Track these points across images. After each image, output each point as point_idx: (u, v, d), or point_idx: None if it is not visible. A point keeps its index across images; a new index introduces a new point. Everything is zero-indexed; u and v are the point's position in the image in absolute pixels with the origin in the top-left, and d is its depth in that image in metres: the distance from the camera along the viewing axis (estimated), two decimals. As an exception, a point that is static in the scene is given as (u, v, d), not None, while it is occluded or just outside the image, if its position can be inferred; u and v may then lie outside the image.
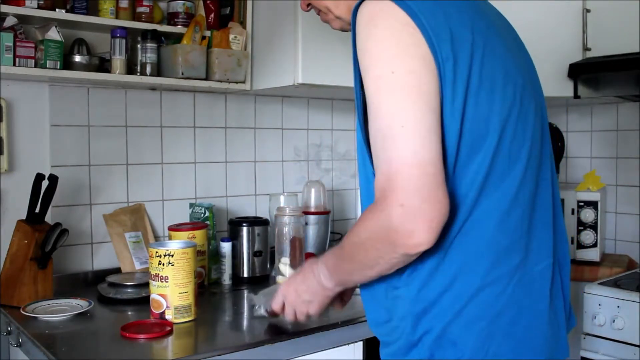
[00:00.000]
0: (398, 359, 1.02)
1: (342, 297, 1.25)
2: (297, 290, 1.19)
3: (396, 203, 0.88)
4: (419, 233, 0.88)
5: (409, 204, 0.87)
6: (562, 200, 2.40)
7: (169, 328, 1.45)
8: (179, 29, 1.94)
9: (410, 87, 0.90)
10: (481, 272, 0.96)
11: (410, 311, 0.98)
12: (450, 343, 0.97)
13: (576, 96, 2.27)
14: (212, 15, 2.05)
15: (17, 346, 1.50)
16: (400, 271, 0.99)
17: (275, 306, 1.27)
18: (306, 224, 2.13)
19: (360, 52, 0.95)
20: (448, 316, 0.96)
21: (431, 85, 0.90)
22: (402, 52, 0.90)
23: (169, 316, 1.50)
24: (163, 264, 1.49)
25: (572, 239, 2.37)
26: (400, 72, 0.90)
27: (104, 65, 1.86)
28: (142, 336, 1.40)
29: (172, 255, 1.49)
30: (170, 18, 1.98)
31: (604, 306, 2.03)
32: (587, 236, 2.34)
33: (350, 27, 1.00)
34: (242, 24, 2.08)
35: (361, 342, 1.56)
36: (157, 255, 1.50)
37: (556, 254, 1.09)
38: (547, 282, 1.04)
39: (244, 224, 2.04)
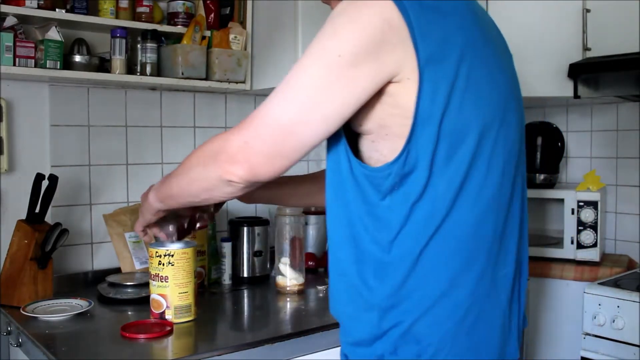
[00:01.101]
0: (360, 350, 1.03)
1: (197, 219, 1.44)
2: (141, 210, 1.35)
3: (244, 138, 0.95)
4: (240, 167, 0.96)
5: (251, 146, 0.94)
6: (562, 200, 2.41)
7: (169, 328, 1.45)
8: (179, 29, 1.94)
9: (343, 77, 0.91)
10: (451, 274, 0.98)
11: (379, 305, 1.00)
12: (414, 340, 0.98)
13: (576, 96, 2.27)
14: (212, 15, 2.05)
15: (17, 346, 1.51)
16: (372, 263, 1.00)
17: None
18: (306, 224, 2.13)
19: (330, 19, 0.95)
20: (416, 313, 0.98)
21: (368, 84, 0.91)
22: (362, 44, 0.90)
23: (169, 316, 1.50)
24: (163, 264, 1.49)
25: (572, 239, 2.37)
26: (345, 60, 0.90)
27: (104, 65, 1.86)
28: (142, 336, 1.40)
29: (172, 255, 1.49)
30: (170, 18, 1.98)
31: (604, 306, 2.03)
32: (587, 236, 2.34)
33: None
34: (242, 24, 2.08)
35: (361, 342, 1.56)
36: (157, 255, 1.50)
37: (518, 261, 1.11)
38: (507, 287, 1.06)
39: (244, 224, 2.04)
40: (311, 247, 2.17)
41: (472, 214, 0.98)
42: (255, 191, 1.55)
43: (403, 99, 0.93)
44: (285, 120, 0.93)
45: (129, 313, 1.64)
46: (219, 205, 1.54)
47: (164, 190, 1.24)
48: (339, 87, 0.91)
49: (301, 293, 1.86)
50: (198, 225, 1.52)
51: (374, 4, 0.91)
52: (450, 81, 0.93)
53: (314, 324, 1.48)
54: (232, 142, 0.96)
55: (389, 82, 0.93)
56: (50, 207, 1.73)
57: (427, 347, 0.98)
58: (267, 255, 2.06)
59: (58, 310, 1.60)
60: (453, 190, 0.96)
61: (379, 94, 0.94)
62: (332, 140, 1.03)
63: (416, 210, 0.96)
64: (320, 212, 2.19)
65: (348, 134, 1.02)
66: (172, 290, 1.50)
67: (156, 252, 1.50)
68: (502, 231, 1.04)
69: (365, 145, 1.01)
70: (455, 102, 0.94)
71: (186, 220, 1.49)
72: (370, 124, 0.98)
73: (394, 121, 0.95)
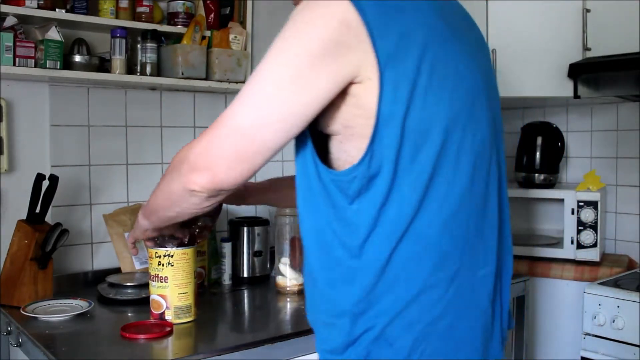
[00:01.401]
0: (334, 358, 1.02)
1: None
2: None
3: (203, 143, 0.94)
4: (200, 175, 0.95)
5: (210, 151, 0.94)
6: (562, 200, 2.41)
7: (168, 329, 1.45)
8: (179, 29, 1.94)
9: (301, 77, 0.90)
10: (423, 276, 0.97)
11: (351, 310, 0.98)
12: (387, 343, 0.97)
13: (576, 96, 2.27)
14: (212, 15, 2.05)
15: (17, 346, 1.51)
16: (341, 269, 0.99)
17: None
18: (306, 224, 2.12)
19: (289, 21, 0.94)
20: (388, 317, 0.97)
21: (327, 84, 0.91)
22: (319, 45, 0.90)
23: (168, 317, 1.50)
24: (163, 265, 1.49)
25: (572, 239, 2.37)
26: (302, 60, 0.90)
27: (104, 65, 1.86)
28: (142, 336, 1.40)
29: (172, 256, 1.49)
30: (170, 18, 1.98)
31: (604, 306, 2.03)
32: (587, 236, 2.34)
33: None
34: (242, 24, 2.08)
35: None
36: (157, 255, 1.50)
37: (499, 260, 1.09)
38: (488, 287, 1.05)
39: (244, 224, 2.04)
40: (311, 247, 2.16)
41: (442, 214, 0.97)
42: (252, 194, 1.57)
43: (365, 100, 0.92)
44: (246, 124, 0.92)
45: (129, 314, 1.64)
46: (215, 215, 1.55)
47: (147, 206, 1.24)
48: (297, 88, 0.91)
49: (301, 293, 1.85)
50: (198, 241, 1.57)
51: (330, 4, 0.91)
52: (412, 79, 0.92)
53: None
54: (193, 150, 0.95)
55: (351, 83, 0.92)
56: (50, 207, 1.73)
57: (400, 349, 0.97)
58: (267, 256, 2.06)
59: (58, 311, 1.60)
60: (419, 191, 0.94)
61: (343, 94, 0.93)
62: (300, 145, 1.02)
63: (384, 213, 0.94)
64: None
65: (318, 135, 1.01)
66: (172, 290, 1.50)
67: (156, 252, 1.50)
68: (479, 230, 1.02)
69: (334, 146, 0.99)
70: (417, 100, 0.92)
71: (186, 237, 1.51)
72: (336, 125, 0.96)
73: (358, 122, 0.94)
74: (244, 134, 0.92)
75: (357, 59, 0.91)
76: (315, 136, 1.00)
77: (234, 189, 0.98)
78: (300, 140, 1.01)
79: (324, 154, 1.00)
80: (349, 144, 0.96)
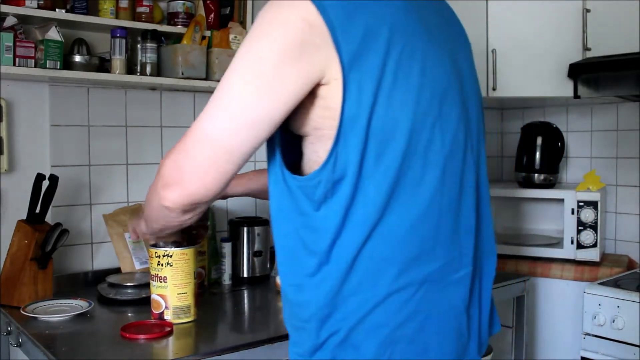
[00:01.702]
0: (305, 359, 1.02)
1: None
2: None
3: (173, 157, 0.94)
4: (171, 190, 0.94)
5: (180, 165, 0.93)
6: (562, 200, 2.41)
7: (168, 329, 1.45)
8: (179, 29, 1.94)
9: (266, 80, 0.89)
10: (389, 279, 0.95)
11: (316, 314, 0.98)
12: (352, 347, 0.96)
13: (576, 96, 2.27)
14: (212, 15, 2.05)
15: (17, 346, 1.51)
16: (307, 274, 0.98)
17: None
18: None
19: (254, 23, 0.94)
20: (352, 321, 0.96)
21: (293, 86, 0.90)
22: (283, 46, 0.89)
23: (167, 316, 1.50)
24: (162, 265, 1.49)
25: (572, 239, 2.37)
26: (267, 62, 0.89)
27: (104, 65, 1.86)
28: (141, 336, 1.40)
29: (171, 256, 1.49)
30: (170, 18, 1.98)
31: (604, 306, 2.03)
32: (587, 236, 2.34)
33: None
34: (242, 24, 2.08)
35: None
36: (157, 255, 1.50)
37: (479, 261, 1.07)
38: (462, 291, 1.03)
39: (244, 224, 2.04)
40: (311, 247, 2.16)
41: (409, 216, 0.95)
42: (231, 186, 1.50)
43: (332, 101, 0.91)
44: (213, 132, 0.91)
45: (129, 314, 1.64)
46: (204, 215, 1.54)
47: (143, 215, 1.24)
48: (263, 92, 0.90)
49: (301, 293, 1.85)
50: (198, 241, 1.58)
51: (293, 5, 0.90)
52: (377, 79, 0.91)
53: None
54: (165, 166, 0.95)
55: (318, 84, 0.91)
56: (50, 207, 1.73)
57: (365, 353, 0.96)
58: (267, 255, 2.06)
59: (58, 311, 1.59)
60: (384, 192, 0.93)
61: (311, 96, 0.92)
62: (270, 150, 1.01)
63: (350, 216, 0.93)
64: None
65: (295, 137, 1.00)
66: (171, 290, 1.50)
67: (155, 252, 1.50)
68: (452, 232, 1.00)
69: (307, 148, 0.98)
70: (382, 101, 0.91)
71: (184, 241, 1.53)
72: (306, 127, 0.96)
73: (326, 123, 0.93)
74: (212, 142, 0.91)
75: (323, 58, 0.89)
76: (293, 138, 0.99)
77: (210, 201, 0.96)
78: (270, 145, 1.00)
79: (298, 155, 0.99)
80: (319, 145, 0.95)
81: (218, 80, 1.93)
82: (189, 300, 1.52)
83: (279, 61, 0.89)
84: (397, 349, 0.96)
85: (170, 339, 1.43)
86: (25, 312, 1.56)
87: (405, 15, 0.96)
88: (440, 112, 0.98)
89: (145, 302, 1.59)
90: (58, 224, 1.69)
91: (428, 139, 0.96)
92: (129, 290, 1.75)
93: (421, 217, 0.96)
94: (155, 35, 1.88)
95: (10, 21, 1.66)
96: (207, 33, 1.99)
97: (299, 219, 0.98)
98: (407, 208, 0.95)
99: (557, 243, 2.49)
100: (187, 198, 0.94)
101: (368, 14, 0.92)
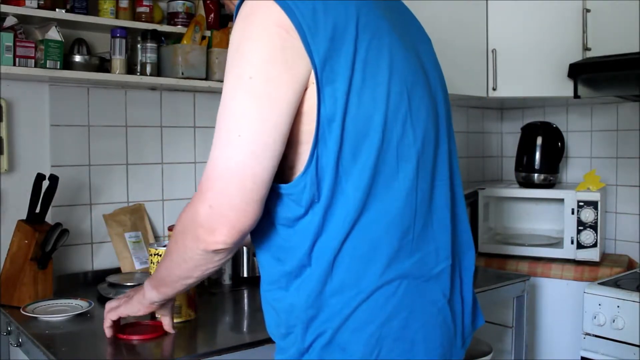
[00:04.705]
0: None
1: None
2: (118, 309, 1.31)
3: (207, 203, 0.92)
4: (220, 233, 0.92)
5: (217, 207, 0.91)
6: (562, 200, 2.41)
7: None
8: (179, 29, 1.94)
9: (263, 96, 0.89)
10: (370, 277, 0.95)
11: (300, 318, 0.98)
12: (339, 348, 0.96)
13: (576, 96, 2.27)
14: (212, 15, 2.05)
15: (17, 346, 1.51)
16: (290, 278, 0.98)
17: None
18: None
19: (231, 44, 0.93)
20: (337, 321, 0.96)
21: (289, 93, 0.90)
22: (267, 57, 0.89)
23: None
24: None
25: (572, 239, 2.37)
26: (257, 79, 0.89)
27: (104, 65, 1.86)
28: (135, 337, 1.39)
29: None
30: (170, 18, 1.98)
31: (604, 306, 2.03)
32: (587, 236, 2.34)
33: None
34: (242, 24, 2.08)
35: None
36: (156, 255, 1.50)
37: (457, 255, 1.07)
38: (444, 284, 1.03)
39: (244, 224, 2.03)
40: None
41: (387, 213, 0.95)
42: None
43: (307, 104, 0.92)
44: (234, 165, 0.90)
45: (129, 313, 1.64)
46: None
47: (156, 277, 1.18)
48: (266, 111, 0.89)
49: (301, 293, 1.85)
50: None
51: (263, 13, 0.90)
52: (347, 78, 0.91)
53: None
54: (200, 213, 0.93)
55: (305, 88, 0.91)
56: (50, 207, 1.73)
57: (353, 354, 0.96)
58: (267, 255, 2.06)
59: (58, 311, 1.59)
60: (362, 190, 0.93)
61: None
62: None
63: (329, 217, 0.94)
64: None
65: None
66: (172, 290, 1.49)
67: (155, 252, 1.50)
68: (427, 227, 1.01)
69: (300, 153, 0.97)
70: (354, 98, 0.92)
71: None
72: (295, 131, 0.95)
73: (305, 127, 0.93)
74: (238, 175, 0.90)
75: (304, 61, 0.90)
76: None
77: (254, 224, 0.95)
78: None
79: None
80: (302, 149, 0.95)
81: (218, 80, 1.96)
82: (179, 300, 1.51)
83: (268, 74, 0.89)
84: (384, 347, 0.96)
85: (170, 339, 1.43)
86: (25, 312, 1.56)
87: (370, 11, 0.97)
88: (410, 106, 0.98)
89: (145, 302, 1.59)
90: (58, 224, 1.69)
91: (400, 134, 0.97)
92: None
93: (399, 212, 0.96)
94: (155, 35, 1.88)
95: (10, 21, 1.66)
96: (207, 33, 1.99)
97: (282, 226, 0.98)
98: (385, 204, 0.95)
99: (557, 243, 2.49)
100: (238, 234, 0.93)
101: (333, 12, 0.91)
